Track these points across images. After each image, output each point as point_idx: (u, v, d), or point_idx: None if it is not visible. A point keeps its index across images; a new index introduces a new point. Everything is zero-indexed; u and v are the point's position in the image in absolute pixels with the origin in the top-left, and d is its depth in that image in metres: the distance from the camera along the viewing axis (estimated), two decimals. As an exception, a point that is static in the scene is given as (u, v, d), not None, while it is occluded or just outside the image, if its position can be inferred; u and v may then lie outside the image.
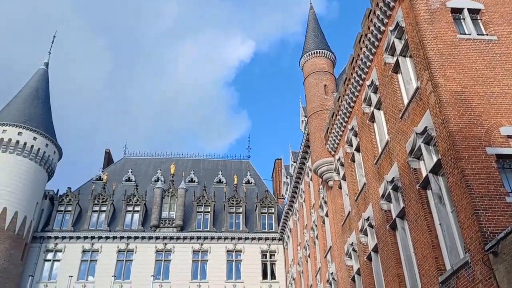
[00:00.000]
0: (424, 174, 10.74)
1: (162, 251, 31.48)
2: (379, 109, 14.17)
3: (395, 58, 12.75)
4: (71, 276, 24.88)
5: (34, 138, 31.73)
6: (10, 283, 27.95)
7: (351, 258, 16.00)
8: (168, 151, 42.11)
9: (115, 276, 25.72)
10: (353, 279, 15.70)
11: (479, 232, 8.21)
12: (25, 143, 31.17)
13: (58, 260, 30.55)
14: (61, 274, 29.30)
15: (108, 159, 41.01)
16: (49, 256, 30.76)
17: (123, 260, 30.91)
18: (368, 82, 14.60)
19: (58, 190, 33.84)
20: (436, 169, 10.21)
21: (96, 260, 30.71)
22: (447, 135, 9.56)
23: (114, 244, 31.29)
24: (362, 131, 15.31)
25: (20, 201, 29.81)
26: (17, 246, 28.95)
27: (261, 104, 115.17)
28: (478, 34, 11.24)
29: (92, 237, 31.35)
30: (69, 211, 32.57)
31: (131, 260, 30.96)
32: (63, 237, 31.16)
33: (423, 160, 10.79)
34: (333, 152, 18.80)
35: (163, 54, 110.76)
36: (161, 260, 31.20)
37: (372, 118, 14.54)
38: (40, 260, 30.35)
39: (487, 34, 11.22)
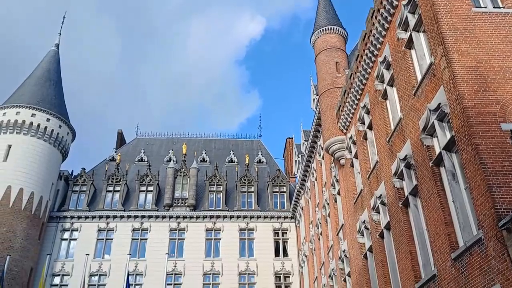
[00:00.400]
0: (437, 151, 10.65)
1: (176, 230, 31.95)
2: (392, 86, 13.99)
3: (408, 34, 12.50)
4: (88, 255, 25.38)
5: (48, 120, 32.07)
6: (29, 262, 28.70)
7: (363, 235, 16.06)
8: (179, 131, 42.35)
9: (130, 254, 26.17)
10: (365, 256, 15.79)
11: (493, 208, 8.16)
12: (38, 125, 31.53)
13: (75, 239, 31.23)
14: (78, 253, 29.99)
15: (121, 140, 41.38)
16: (66, 235, 31.43)
17: (138, 239, 31.48)
18: (380, 59, 14.38)
19: (72, 171, 34.36)
20: (449, 146, 10.10)
21: (112, 239, 31.31)
22: (461, 111, 9.42)
23: (129, 223, 31.84)
24: (375, 108, 15.16)
25: (36, 182, 30.34)
26: (34, 226, 29.61)
27: (272, 83, 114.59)
28: (494, 7, 10.93)
29: (107, 217, 31.91)
30: (84, 191, 33.11)
31: (146, 239, 31.51)
32: (79, 217, 31.76)
33: (437, 137, 10.67)
34: (345, 130, 18.70)
35: (173, 33, 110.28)
36: (175, 239, 31.69)
37: (385, 95, 14.37)
38: (57, 239, 31.04)
39: (503, 7, 10.90)
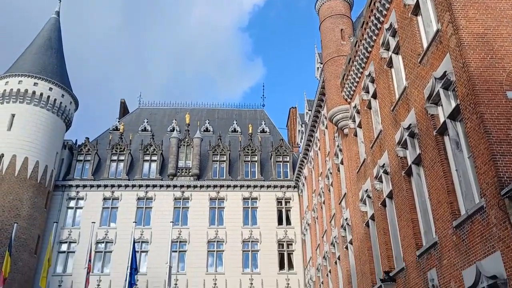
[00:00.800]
0: (441, 120, 10.57)
1: (180, 199, 32.31)
2: (397, 53, 13.77)
3: (415, -1, 12.21)
4: (94, 222, 25.81)
5: (50, 89, 31.98)
6: (36, 229, 29.23)
7: (365, 204, 16.19)
8: (182, 101, 42.26)
9: (135, 222, 26.61)
10: (367, 225, 15.96)
11: (496, 177, 8.16)
12: (41, 94, 31.47)
13: (81, 208, 31.68)
14: (84, 221, 30.48)
15: (124, 109, 41.37)
16: (72, 203, 31.87)
17: (142, 207, 31.90)
18: (386, 26, 14.11)
19: (76, 140, 34.51)
20: (454, 115, 10.02)
21: (117, 207, 31.75)
22: (467, 79, 9.29)
23: (133, 192, 32.19)
24: (379, 77, 14.99)
25: (40, 151, 30.54)
26: (40, 194, 29.99)
27: (276, 51, 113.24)
28: (504, -28, 10.60)
29: (112, 185, 32.26)
30: (88, 160, 33.35)
31: (151, 207, 31.93)
32: (84, 186, 32.12)
33: (441, 105, 10.57)
34: (349, 100, 18.56)
35: (176, 0, 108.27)
36: (180, 207, 32.10)
37: (390, 63, 14.18)
38: (63, 208, 31.50)
39: (514, -29, 10.58)
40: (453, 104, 10.05)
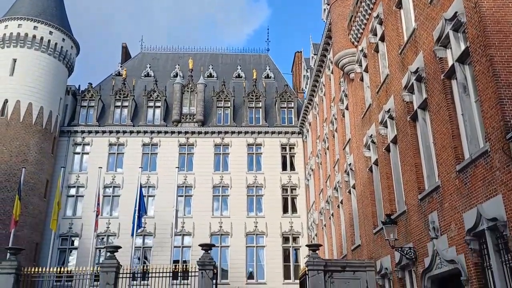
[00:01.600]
0: (450, 63, 10.31)
1: (185, 145, 32.56)
2: (407, -6, 13.24)
3: None
4: (101, 168, 26.25)
5: (50, 33, 31.40)
6: (44, 174, 29.78)
7: (369, 149, 16.23)
8: (185, 45, 41.50)
9: (142, 167, 27.01)
10: (371, 169, 16.08)
11: (502, 121, 8.06)
12: (41, 38, 30.95)
13: (87, 153, 32.07)
14: (91, 166, 30.96)
15: (126, 54, 40.77)
16: (78, 149, 32.24)
17: (148, 153, 32.24)
18: (396, -36, 13.47)
19: (79, 86, 34.33)
20: (463, 58, 9.76)
21: (123, 153, 32.11)
22: (478, 20, 8.95)
23: (139, 138, 32.42)
24: (388, 18, 14.51)
25: (44, 97, 30.49)
26: (46, 140, 30.28)
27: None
28: None
29: (117, 131, 32.44)
30: (92, 106, 33.34)
31: (156, 153, 32.27)
32: (89, 131, 32.33)
33: (450, 48, 10.28)
34: (356, 43, 18.11)
35: None
36: (184, 154, 32.41)
37: (399, 4, 13.66)
38: (69, 153, 31.90)
39: None
40: (463, 47, 9.77)
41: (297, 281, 22.81)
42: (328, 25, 21.46)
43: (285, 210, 31.38)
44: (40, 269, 15.92)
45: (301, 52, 36.90)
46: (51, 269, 16.38)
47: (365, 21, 16.84)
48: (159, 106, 33.63)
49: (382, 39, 15.34)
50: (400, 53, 13.26)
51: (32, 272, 15.60)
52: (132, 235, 22.42)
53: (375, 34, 15.82)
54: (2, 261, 15.88)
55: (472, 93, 9.54)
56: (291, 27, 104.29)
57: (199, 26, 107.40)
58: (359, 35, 17.66)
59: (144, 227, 28.33)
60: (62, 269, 18.93)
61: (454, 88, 10.19)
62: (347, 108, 19.98)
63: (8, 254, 15.70)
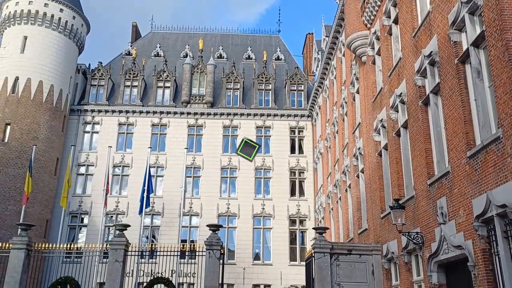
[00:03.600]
0: (464, 47, 10.12)
1: (194, 126, 32.59)
2: (422, -25, 12.95)
3: None
4: (110, 147, 26.40)
5: (61, 10, 31.32)
6: (54, 152, 30.08)
7: (379, 134, 16.11)
8: (195, 25, 41.20)
9: (151, 148, 27.11)
10: (380, 154, 15.99)
11: (516, 107, 7.93)
12: (52, 15, 30.90)
13: (97, 132, 32.27)
14: (101, 145, 31.19)
15: (136, 33, 40.60)
16: (88, 128, 32.43)
17: (157, 134, 32.36)
18: None
19: (89, 64, 34.37)
20: (478, 42, 9.57)
21: (132, 133, 32.26)
22: (495, 3, 8.74)
23: (148, 119, 32.51)
24: (402, 0, 14.23)
25: (55, 75, 30.57)
26: (56, 118, 30.48)
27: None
28: None
29: (127, 111, 32.54)
30: (102, 85, 33.39)
31: (165, 134, 32.37)
32: (99, 111, 32.46)
33: (465, 32, 10.07)
34: (369, 25, 17.83)
35: None
36: (193, 134, 32.47)
37: (414, -14, 13.39)
38: (79, 132, 32.12)
39: None
40: (478, 31, 9.57)
41: (303, 263, 23.00)
42: (341, 7, 21.13)
43: (292, 193, 31.46)
44: (50, 245, 16.15)
45: (312, 34, 36.47)
46: (61, 246, 16.53)
47: (378, 3, 16.54)
48: (168, 87, 33.60)
49: (395, 21, 15.09)
50: (413, 36, 13.04)
51: (43, 248, 15.85)
52: (140, 213, 22.63)
53: (389, 17, 15.55)
54: (13, 236, 16.15)
55: (486, 78, 9.38)
56: (303, 7, 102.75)
57: (210, 4, 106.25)
58: (372, 17, 17.37)
59: (153, 207, 28.62)
60: (71, 246, 19.19)
61: (468, 73, 10.02)
62: (358, 92, 19.79)
63: (19, 230, 15.95)
